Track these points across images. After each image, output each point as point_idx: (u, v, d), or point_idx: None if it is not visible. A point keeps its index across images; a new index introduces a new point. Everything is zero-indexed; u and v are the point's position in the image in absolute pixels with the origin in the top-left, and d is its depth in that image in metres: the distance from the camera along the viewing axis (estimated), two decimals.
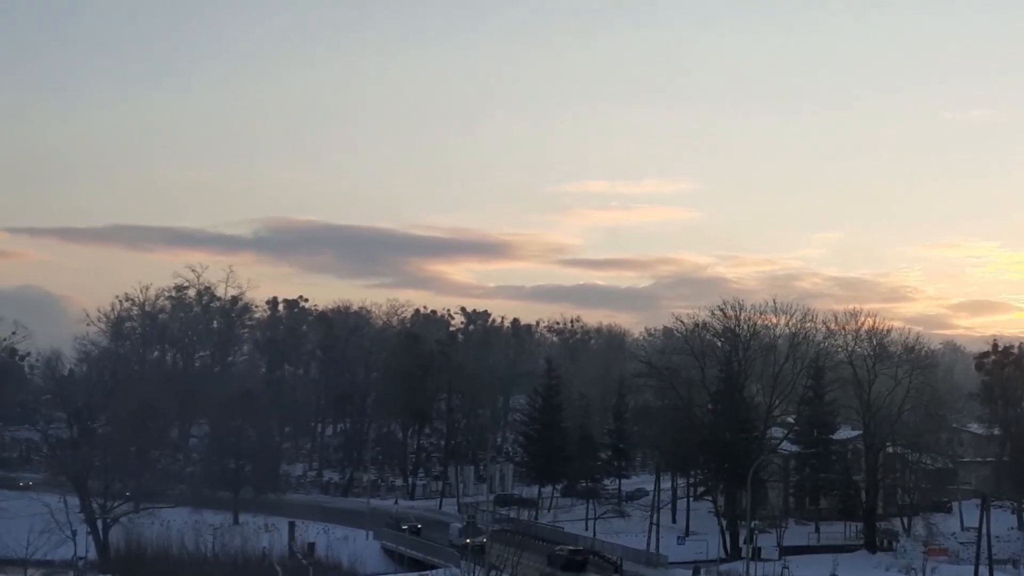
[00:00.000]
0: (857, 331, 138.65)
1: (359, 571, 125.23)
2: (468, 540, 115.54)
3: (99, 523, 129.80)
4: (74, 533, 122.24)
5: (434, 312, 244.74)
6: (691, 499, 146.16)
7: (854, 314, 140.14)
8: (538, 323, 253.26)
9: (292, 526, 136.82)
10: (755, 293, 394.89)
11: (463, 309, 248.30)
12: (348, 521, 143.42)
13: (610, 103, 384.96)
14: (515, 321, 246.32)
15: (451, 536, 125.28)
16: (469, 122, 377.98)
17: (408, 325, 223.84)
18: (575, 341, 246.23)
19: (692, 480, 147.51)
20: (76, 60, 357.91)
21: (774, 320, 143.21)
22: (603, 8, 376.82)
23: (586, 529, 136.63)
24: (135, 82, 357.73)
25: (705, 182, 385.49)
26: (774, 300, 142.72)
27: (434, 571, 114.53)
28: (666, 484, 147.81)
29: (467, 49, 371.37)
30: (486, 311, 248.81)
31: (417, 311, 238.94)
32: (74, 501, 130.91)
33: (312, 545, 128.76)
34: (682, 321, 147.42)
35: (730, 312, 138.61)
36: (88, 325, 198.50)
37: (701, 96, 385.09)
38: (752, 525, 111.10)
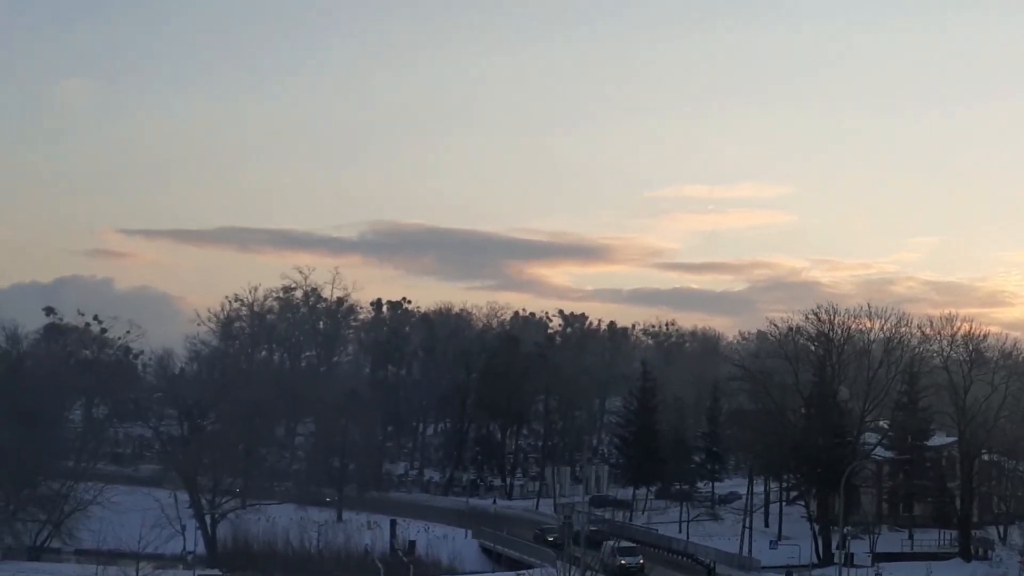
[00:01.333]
0: (953, 336, 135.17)
1: (458, 569, 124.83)
2: (623, 561, 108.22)
3: (208, 518, 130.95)
4: (183, 528, 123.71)
5: (533, 314, 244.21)
6: (784, 503, 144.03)
7: (950, 319, 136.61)
8: (634, 326, 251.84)
9: (394, 524, 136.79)
10: (850, 297, 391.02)
11: (561, 312, 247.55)
12: (448, 520, 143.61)
13: (708, 107, 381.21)
14: (612, 324, 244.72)
15: (603, 555, 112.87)
16: (570, 126, 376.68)
17: (507, 327, 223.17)
18: (670, 344, 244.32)
19: (785, 484, 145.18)
20: (189, 65, 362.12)
21: (868, 324, 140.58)
22: (701, 12, 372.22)
23: (679, 531, 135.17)
24: (247, 86, 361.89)
25: (802, 186, 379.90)
26: (869, 304, 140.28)
27: (530, 571, 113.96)
28: (759, 488, 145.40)
29: (568, 53, 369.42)
30: (583, 314, 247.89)
31: (516, 313, 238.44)
32: (184, 497, 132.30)
33: (413, 543, 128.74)
34: (776, 325, 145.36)
35: (824, 316, 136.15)
36: (199, 325, 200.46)
37: (799, 99, 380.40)
38: (845, 531, 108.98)
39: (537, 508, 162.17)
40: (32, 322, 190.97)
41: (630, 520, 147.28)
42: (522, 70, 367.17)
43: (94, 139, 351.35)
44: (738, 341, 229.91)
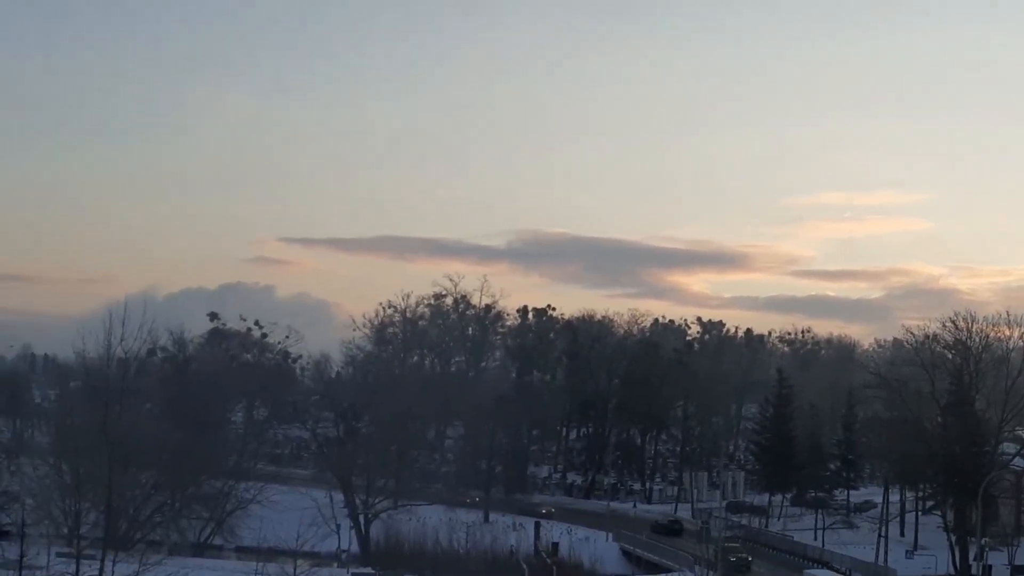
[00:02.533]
0: None
1: (599, 571, 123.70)
2: None
3: (361, 518, 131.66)
4: (338, 527, 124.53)
5: (672, 321, 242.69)
6: (920, 513, 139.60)
7: None
8: (770, 333, 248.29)
9: (538, 526, 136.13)
10: (988, 305, 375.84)
11: (699, 319, 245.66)
12: (590, 522, 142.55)
13: (846, 113, 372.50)
14: (748, 331, 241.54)
15: None
16: (707, 134, 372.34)
17: (647, 334, 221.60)
18: (806, 351, 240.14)
19: (921, 494, 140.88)
20: (349, 80, 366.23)
21: (1007, 332, 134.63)
22: (838, 17, 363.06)
23: (815, 539, 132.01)
24: (400, 99, 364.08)
25: (940, 192, 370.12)
26: (1008, 312, 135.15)
27: (669, 574, 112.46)
28: (894, 497, 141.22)
29: (707, 59, 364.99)
30: (721, 321, 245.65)
31: (656, 320, 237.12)
32: (339, 496, 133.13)
33: (556, 545, 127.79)
34: (912, 333, 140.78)
35: (962, 324, 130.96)
36: (354, 330, 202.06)
37: (938, 105, 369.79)
38: (982, 542, 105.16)
39: (676, 512, 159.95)
40: (198, 327, 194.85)
41: (766, 526, 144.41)
42: (661, 78, 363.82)
43: (257, 152, 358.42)
44: (874, 348, 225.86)
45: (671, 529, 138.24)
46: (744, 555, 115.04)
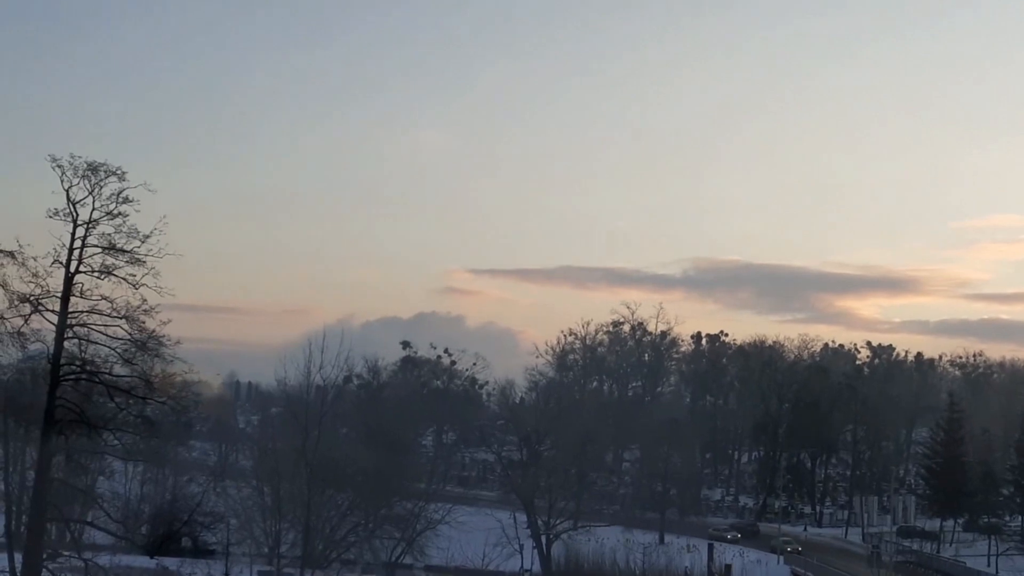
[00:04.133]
0: None
1: None
2: None
3: (543, 538, 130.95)
4: (521, 547, 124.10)
5: (842, 346, 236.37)
6: None
7: None
8: (941, 357, 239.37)
9: (711, 548, 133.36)
10: None
11: (869, 343, 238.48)
12: (761, 545, 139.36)
13: (1016, 132, 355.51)
14: (919, 355, 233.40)
15: None
16: (875, 159, 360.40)
17: (817, 359, 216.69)
18: (978, 375, 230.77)
19: None
20: (524, 120, 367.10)
21: None
22: (1005, 33, 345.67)
23: (988, 565, 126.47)
24: (576, 134, 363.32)
25: None
26: None
27: None
28: None
29: (871, 80, 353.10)
30: (891, 345, 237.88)
31: (826, 345, 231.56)
32: (522, 517, 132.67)
33: (729, 567, 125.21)
34: None
35: None
36: (537, 357, 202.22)
37: None
38: None
39: (846, 536, 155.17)
40: (391, 354, 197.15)
41: (938, 552, 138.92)
42: (830, 99, 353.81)
43: (446, 186, 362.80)
44: None
45: (751, 532, 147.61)
46: (732, 533, 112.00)
